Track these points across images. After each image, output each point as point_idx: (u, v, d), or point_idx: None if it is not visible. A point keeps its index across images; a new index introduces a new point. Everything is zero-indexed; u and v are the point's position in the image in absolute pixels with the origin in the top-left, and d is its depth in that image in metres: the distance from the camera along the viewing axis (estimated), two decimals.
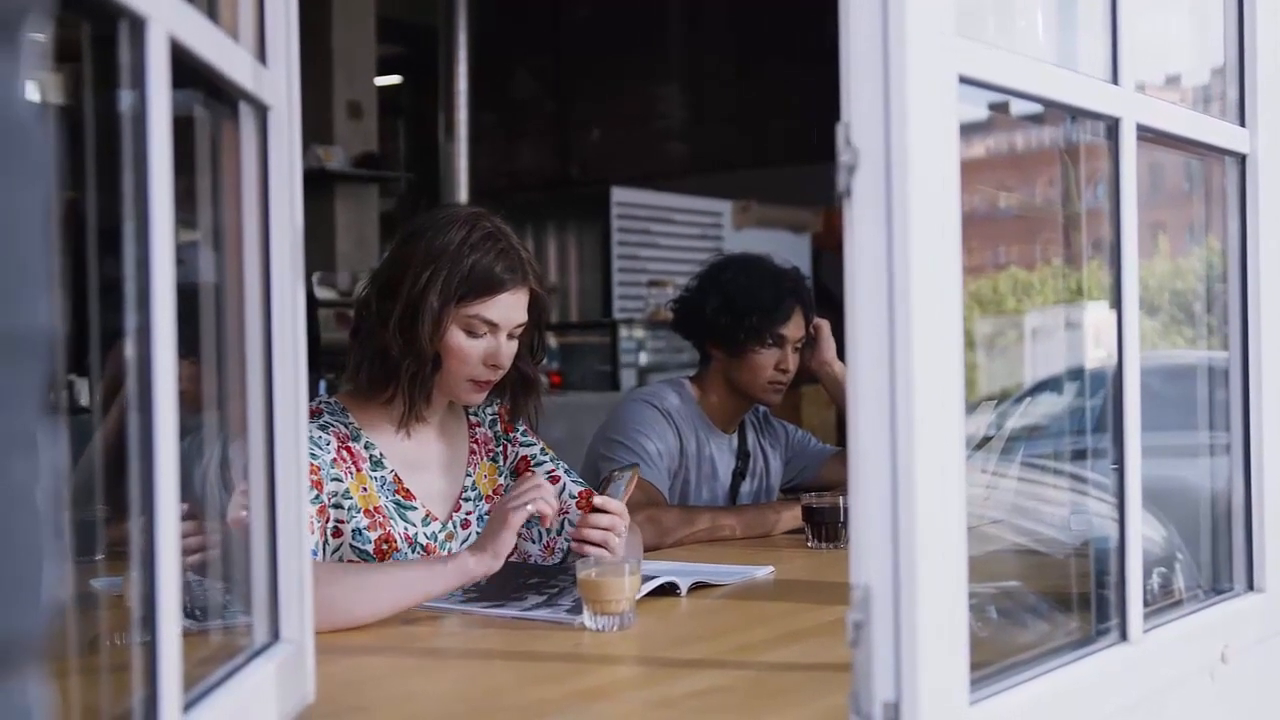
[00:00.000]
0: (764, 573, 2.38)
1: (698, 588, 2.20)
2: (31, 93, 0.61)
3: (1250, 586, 1.83)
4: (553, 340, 7.76)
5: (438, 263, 2.18)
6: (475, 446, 2.40)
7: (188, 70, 1.12)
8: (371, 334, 2.22)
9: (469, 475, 2.37)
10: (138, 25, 1.00)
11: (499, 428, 2.44)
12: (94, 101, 1.06)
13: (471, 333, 2.21)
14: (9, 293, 0.58)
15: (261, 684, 1.29)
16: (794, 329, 3.05)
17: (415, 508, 2.26)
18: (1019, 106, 1.57)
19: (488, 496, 2.38)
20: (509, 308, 2.23)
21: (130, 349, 1.03)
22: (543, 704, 1.54)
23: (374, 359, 2.22)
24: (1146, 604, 1.57)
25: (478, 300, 2.20)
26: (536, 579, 2.15)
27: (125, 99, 1.02)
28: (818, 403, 6.87)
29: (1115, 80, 1.53)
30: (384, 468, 2.25)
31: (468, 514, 2.35)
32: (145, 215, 1.02)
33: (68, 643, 1.15)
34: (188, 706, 1.10)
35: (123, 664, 1.19)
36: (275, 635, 1.38)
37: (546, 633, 1.89)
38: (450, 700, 1.61)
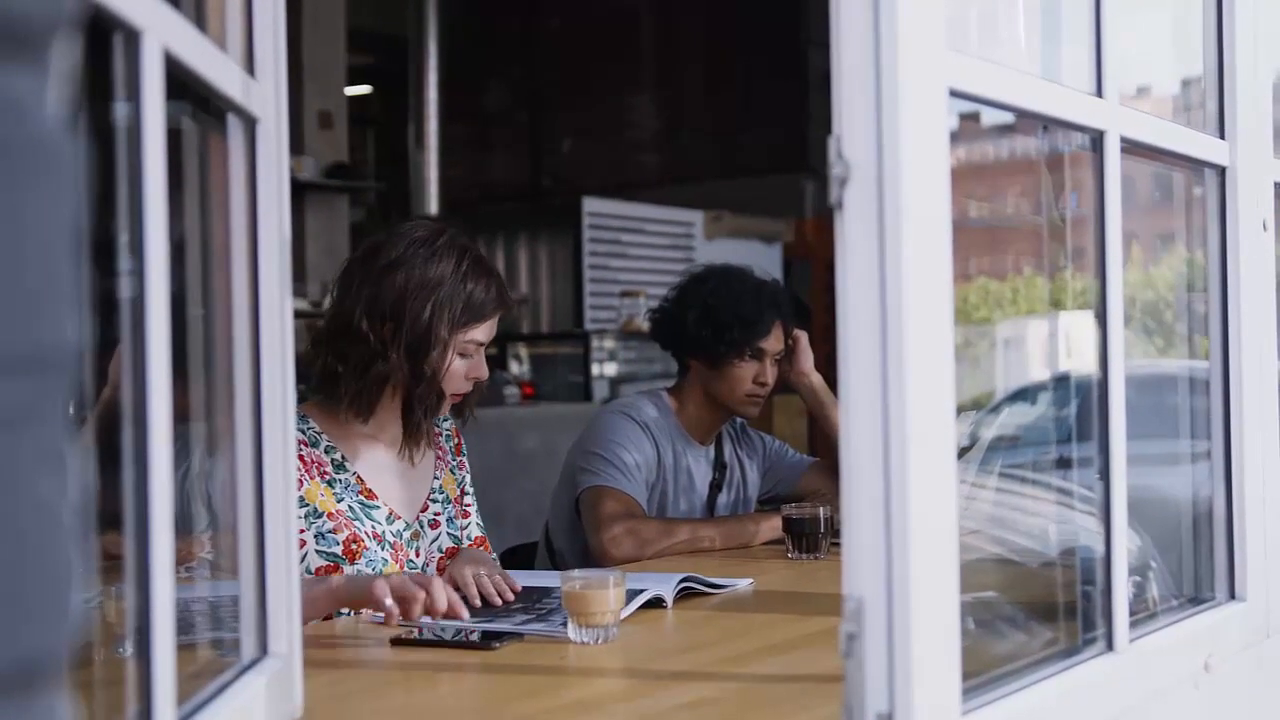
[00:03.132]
0: (745, 584, 2.38)
1: (684, 595, 2.20)
2: (59, 108, 0.60)
3: (1232, 596, 1.85)
4: (524, 351, 7.75)
5: (437, 294, 2.26)
6: (440, 452, 2.48)
7: (177, 82, 1.11)
8: (370, 362, 2.25)
9: (436, 478, 2.45)
10: (132, 38, 1.00)
11: (452, 445, 2.53)
12: (85, 113, 1.05)
13: (463, 355, 2.32)
14: (37, 309, 0.58)
15: (251, 699, 1.29)
16: (774, 342, 3.05)
17: (378, 506, 2.31)
18: (989, 116, 1.58)
19: (454, 500, 2.47)
20: (494, 327, 2.36)
21: (123, 361, 1.02)
22: (534, 717, 1.54)
23: (373, 386, 2.27)
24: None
25: (475, 326, 2.31)
26: (522, 603, 2.14)
27: (119, 110, 1.02)
28: (789, 412, 6.89)
29: (1099, 93, 1.54)
30: (347, 470, 2.30)
31: (435, 514, 2.42)
32: (140, 227, 1.01)
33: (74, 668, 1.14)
34: None
35: (109, 678, 1.18)
36: (264, 650, 1.38)
37: (532, 646, 1.88)
38: (438, 714, 1.60)
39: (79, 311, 0.62)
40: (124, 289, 1.02)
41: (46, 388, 0.59)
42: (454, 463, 2.51)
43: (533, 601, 2.15)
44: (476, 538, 2.48)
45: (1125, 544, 1.55)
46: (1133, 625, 1.58)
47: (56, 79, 0.60)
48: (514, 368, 7.51)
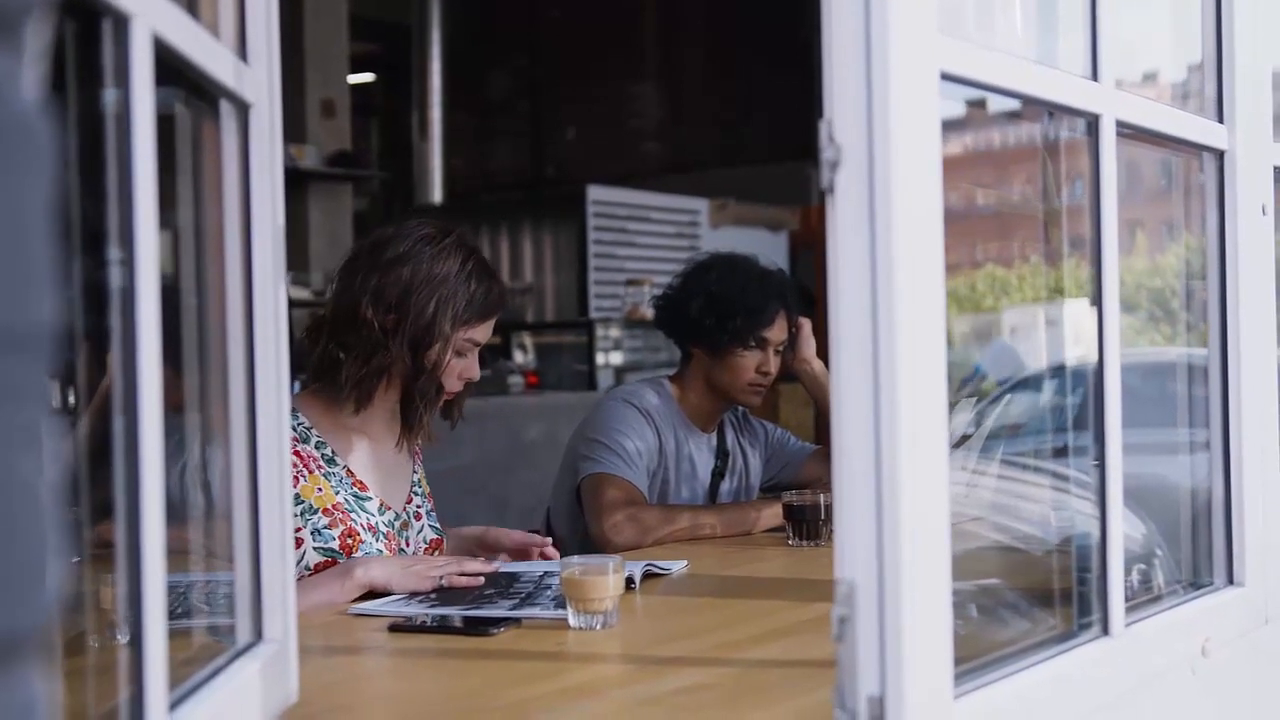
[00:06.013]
0: (678, 567, 2.40)
1: (685, 581, 2.22)
2: (33, 89, 0.61)
3: (1230, 581, 1.85)
4: (528, 340, 7.75)
5: (442, 291, 2.30)
6: (417, 450, 2.53)
7: (168, 68, 1.11)
8: (372, 352, 2.28)
9: (415, 472, 2.50)
10: (121, 23, 1.00)
11: (420, 442, 2.56)
12: (76, 99, 1.05)
13: (460, 353, 2.35)
14: (14, 288, 0.58)
15: (245, 684, 1.29)
16: (777, 332, 3.05)
17: (370, 498, 2.36)
18: (996, 103, 1.58)
19: (428, 496, 2.52)
20: (490, 328, 2.41)
21: (114, 351, 1.02)
22: (528, 702, 1.54)
23: (373, 375, 2.31)
24: (1127, 599, 1.58)
25: (476, 325, 2.35)
26: (492, 590, 2.14)
27: (108, 97, 1.02)
28: (795, 401, 6.89)
29: (1095, 77, 1.54)
30: (337, 464, 2.33)
31: (418, 507, 2.48)
32: (129, 214, 1.01)
33: (53, 643, 1.14)
34: (173, 706, 1.10)
35: (103, 665, 1.18)
36: (259, 635, 1.38)
37: (529, 632, 1.89)
38: (434, 700, 1.61)
39: (55, 292, 0.62)
40: (114, 278, 1.02)
41: (22, 366, 0.59)
42: (421, 461, 2.57)
43: (505, 587, 2.15)
44: (432, 540, 2.49)
45: (1120, 529, 1.55)
46: (1130, 610, 1.58)
47: (31, 60, 0.60)
48: (518, 357, 7.52)
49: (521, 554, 2.45)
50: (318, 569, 2.23)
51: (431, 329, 2.29)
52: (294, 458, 2.25)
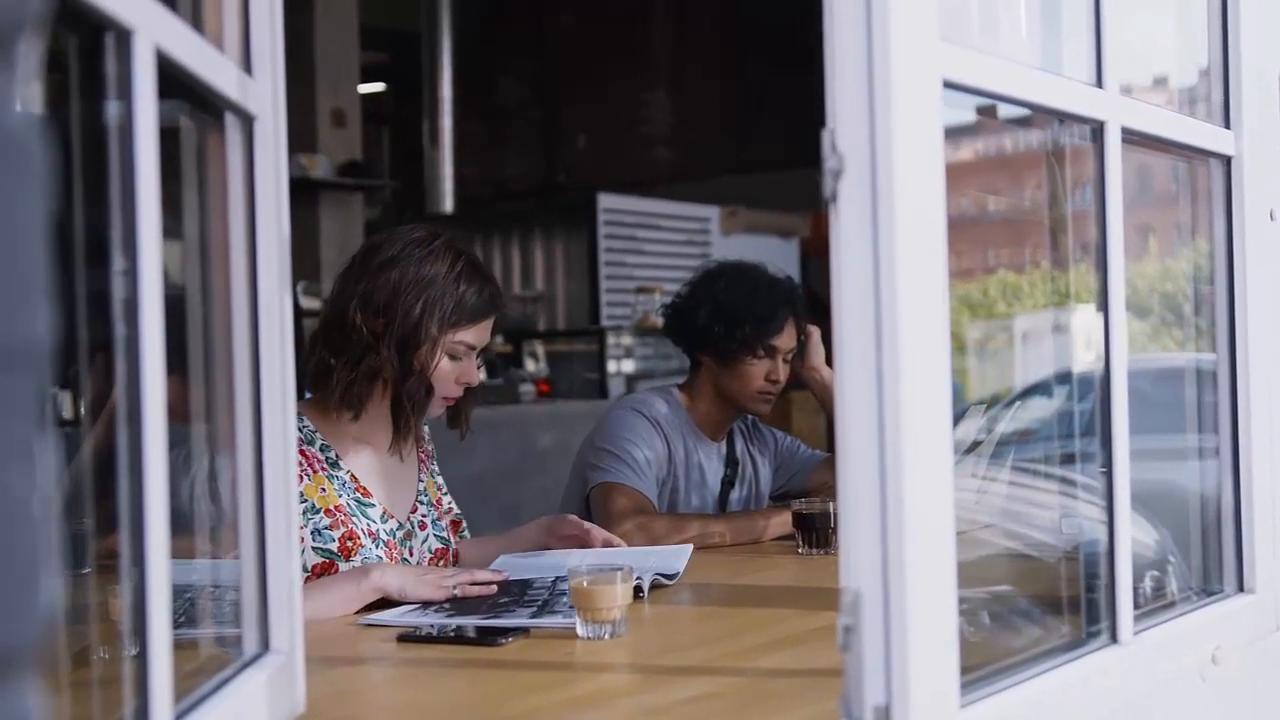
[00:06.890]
0: (684, 556, 2.43)
1: (656, 587, 2.24)
2: (27, 105, 0.61)
3: (1240, 588, 1.84)
4: (540, 348, 7.75)
5: (429, 292, 2.30)
6: (423, 457, 2.53)
7: (173, 80, 1.12)
8: (362, 355, 2.29)
9: (420, 481, 2.49)
10: (124, 36, 1.00)
11: (431, 447, 2.58)
12: (79, 112, 1.06)
13: (453, 356, 2.35)
14: (7, 304, 0.59)
15: (252, 695, 1.29)
16: (786, 340, 3.05)
17: (374, 505, 2.36)
18: (1006, 110, 1.57)
19: (435, 504, 2.51)
20: (487, 331, 2.39)
21: (118, 362, 1.02)
22: (536, 712, 1.54)
23: (364, 380, 2.30)
24: (1138, 607, 1.57)
25: (466, 327, 2.34)
26: (507, 598, 2.14)
27: (111, 109, 1.02)
28: (807, 409, 6.88)
29: (1099, 83, 1.54)
30: (341, 469, 2.34)
31: (423, 517, 2.47)
32: (132, 226, 1.01)
33: (58, 655, 1.15)
34: (178, 717, 1.10)
35: (110, 676, 1.19)
36: (265, 646, 1.38)
37: (538, 642, 1.88)
38: (442, 710, 1.61)
39: (50, 308, 0.62)
40: (117, 289, 1.02)
41: (16, 382, 0.59)
42: (433, 468, 2.57)
43: (519, 595, 2.15)
44: (437, 550, 2.49)
45: (1129, 536, 1.55)
46: (1139, 618, 1.57)
47: (24, 76, 0.61)
48: (530, 365, 7.51)
49: (582, 542, 2.49)
50: (316, 570, 2.23)
51: (419, 330, 2.29)
52: (299, 457, 2.25)
